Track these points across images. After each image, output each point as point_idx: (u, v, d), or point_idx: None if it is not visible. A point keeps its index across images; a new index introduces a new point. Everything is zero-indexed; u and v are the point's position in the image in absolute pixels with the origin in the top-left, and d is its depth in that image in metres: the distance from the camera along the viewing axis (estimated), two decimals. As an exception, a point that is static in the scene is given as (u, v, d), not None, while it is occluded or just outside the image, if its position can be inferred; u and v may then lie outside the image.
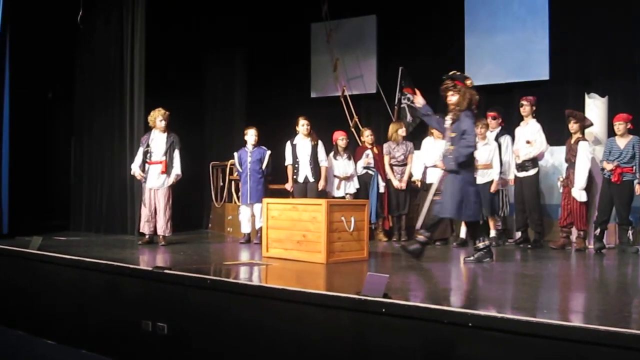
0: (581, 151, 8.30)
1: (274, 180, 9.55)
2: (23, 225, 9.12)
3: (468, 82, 6.87)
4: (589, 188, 8.47)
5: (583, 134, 8.42)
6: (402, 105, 10.81)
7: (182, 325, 5.59)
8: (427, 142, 9.35)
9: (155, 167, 8.51)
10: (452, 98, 6.83)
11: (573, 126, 8.39)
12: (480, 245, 6.98)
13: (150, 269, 6.00)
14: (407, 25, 11.23)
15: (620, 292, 5.54)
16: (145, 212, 8.59)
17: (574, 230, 8.56)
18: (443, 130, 7.06)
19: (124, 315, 6.05)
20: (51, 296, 6.88)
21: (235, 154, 9.21)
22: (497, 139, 9.18)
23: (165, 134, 8.60)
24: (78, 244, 8.32)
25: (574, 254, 8.00)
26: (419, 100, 7.15)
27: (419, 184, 9.32)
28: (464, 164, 6.79)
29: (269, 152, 9.10)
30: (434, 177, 9.02)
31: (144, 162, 8.56)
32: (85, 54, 10.49)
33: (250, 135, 9.08)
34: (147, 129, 8.80)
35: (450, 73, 6.91)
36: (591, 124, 8.50)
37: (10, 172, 9.20)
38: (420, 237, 6.95)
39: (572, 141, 8.42)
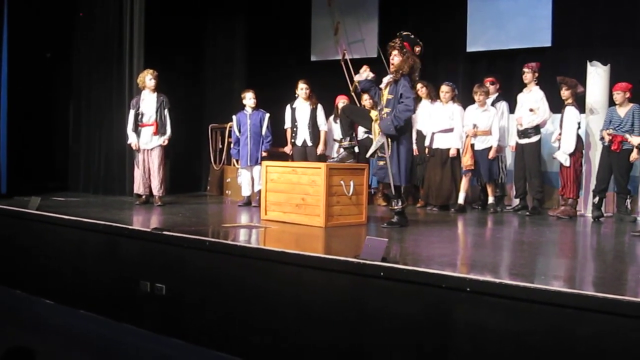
0: (568, 116, 8.27)
1: (273, 143, 9.52)
2: (21, 186, 9.13)
3: (417, 49, 6.72)
4: (585, 158, 8.49)
5: (575, 100, 8.38)
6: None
7: (180, 287, 5.62)
8: (422, 106, 9.30)
9: (147, 129, 8.59)
10: (395, 59, 6.69)
11: (564, 93, 8.35)
12: (397, 208, 6.93)
13: (148, 230, 6.01)
14: (410, -12, 11.13)
15: (617, 260, 5.56)
16: (139, 173, 8.70)
17: (579, 200, 8.57)
18: (379, 99, 6.93)
19: (122, 276, 6.08)
20: (50, 256, 6.90)
21: (234, 117, 9.15)
22: (493, 105, 9.15)
23: (155, 94, 8.65)
24: (76, 205, 8.33)
25: (572, 222, 8.01)
26: (365, 75, 6.97)
27: (426, 150, 9.25)
28: (403, 129, 6.69)
29: (267, 115, 9.06)
30: (441, 142, 9.01)
31: (135, 124, 8.61)
32: (84, 15, 10.37)
33: (249, 98, 9.03)
34: (146, 91, 8.77)
35: (405, 33, 6.76)
36: (583, 91, 8.45)
37: (8, 132, 9.19)
38: (396, 208, 6.92)
39: (563, 108, 8.41)
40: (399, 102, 6.60)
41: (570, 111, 8.28)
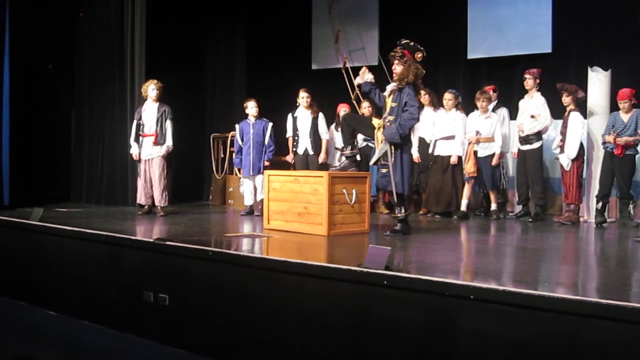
0: (573, 121, 8.29)
1: (275, 152, 9.53)
2: (24, 197, 9.14)
3: (418, 56, 6.73)
4: (587, 163, 8.50)
5: (577, 106, 8.39)
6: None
7: (184, 297, 5.61)
8: (425, 114, 9.30)
9: (148, 139, 8.62)
10: (397, 68, 6.72)
11: (565, 99, 8.37)
12: (400, 215, 6.91)
13: (151, 240, 6.01)
14: (410, -4, 11.15)
15: (621, 265, 5.54)
16: (141, 184, 8.73)
17: (582, 206, 8.55)
18: (382, 104, 6.96)
19: (125, 287, 6.07)
20: (52, 267, 6.90)
21: (237, 126, 9.14)
22: (493, 111, 9.17)
23: (157, 104, 8.68)
24: (79, 216, 8.32)
25: (575, 228, 8.00)
26: (365, 77, 7.00)
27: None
28: (407, 137, 6.74)
29: (271, 124, 9.05)
30: (442, 149, 9.01)
31: (137, 134, 8.64)
32: (85, 25, 10.40)
33: (251, 107, 9.03)
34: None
35: (404, 41, 6.79)
36: (584, 96, 8.46)
37: (10, 144, 9.20)
38: (399, 216, 6.92)
39: (566, 114, 8.42)
40: (404, 110, 6.61)
41: (575, 117, 8.29)
